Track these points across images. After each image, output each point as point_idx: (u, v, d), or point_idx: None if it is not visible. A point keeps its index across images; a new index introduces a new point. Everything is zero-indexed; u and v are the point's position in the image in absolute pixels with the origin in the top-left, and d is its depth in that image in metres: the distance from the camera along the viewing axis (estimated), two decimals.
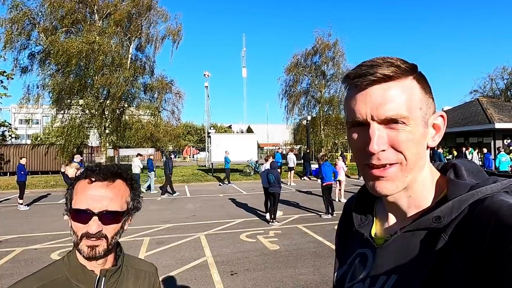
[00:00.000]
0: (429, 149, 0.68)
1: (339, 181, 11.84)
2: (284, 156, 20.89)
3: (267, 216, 8.98)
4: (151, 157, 16.68)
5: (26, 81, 26.66)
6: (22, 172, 11.89)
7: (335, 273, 0.83)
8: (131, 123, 21.84)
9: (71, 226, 0.97)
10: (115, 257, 1.06)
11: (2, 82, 24.66)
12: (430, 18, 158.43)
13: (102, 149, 22.00)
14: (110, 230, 0.96)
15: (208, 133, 25.84)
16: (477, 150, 17.61)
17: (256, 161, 22.09)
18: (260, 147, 41.14)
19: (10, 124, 27.33)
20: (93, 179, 0.97)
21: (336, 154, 21.62)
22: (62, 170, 6.51)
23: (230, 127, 64.09)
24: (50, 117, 22.97)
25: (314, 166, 21.13)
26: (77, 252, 0.97)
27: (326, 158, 10.50)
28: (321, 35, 27.31)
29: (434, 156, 16.18)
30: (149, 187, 15.63)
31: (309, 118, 24.50)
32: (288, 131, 32.81)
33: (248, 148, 21.30)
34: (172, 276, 5.21)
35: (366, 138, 0.63)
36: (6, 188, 16.93)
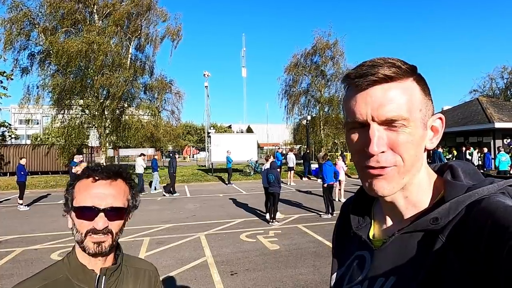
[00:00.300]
0: (426, 151, 0.68)
1: (339, 181, 11.84)
2: (284, 156, 20.89)
3: (267, 216, 8.99)
4: (155, 157, 16.69)
5: (26, 81, 26.60)
6: (22, 173, 11.89)
7: (333, 275, 0.83)
8: (131, 123, 21.82)
9: (74, 224, 0.99)
10: (114, 256, 1.08)
11: (1, 82, 24.66)
12: (430, 18, 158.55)
13: (102, 149, 21.99)
14: (115, 226, 1.00)
15: (208, 133, 25.84)
16: (476, 150, 17.62)
17: (256, 161, 22.09)
18: (260, 147, 41.15)
19: (10, 125, 27.32)
20: (97, 178, 1.00)
21: (336, 154, 21.62)
22: (74, 170, 6.49)
23: (230, 127, 64.09)
24: (50, 118, 22.96)
25: (314, 166, 21.16)
26: (80, 250, 0.99)
27: (328, 158, 10.50)
28: (321, 35, 27.29)
29: (433, 156, 16.17)
30: (155, 188, 15.70)
31: (309, 118, 24.50)
32: (288, 131, 32.82)
33: (248, 148, 21.31)
34: (172, 276, 5.21)
35: (366, 139, 0.62)
36: (6, 189, 16.93)
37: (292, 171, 18.63)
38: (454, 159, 17.71)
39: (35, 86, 20.83)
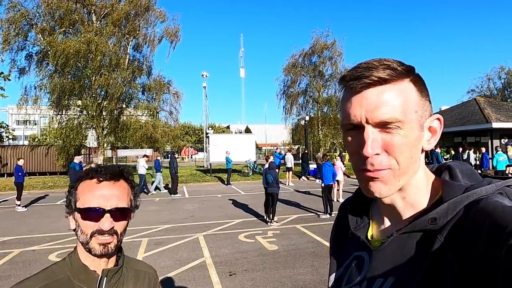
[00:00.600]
0: (424, 152, 0.67)
1: (337, 181, 11.85)
2: (283, 156, 20.90)
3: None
4: (158, 157, 16.71)
5: (24, 82, 26.63)
6: (20, 173, 11.85)
7: (331, 276, 0.83)
8: (129, 124, 21.79)
9: (78, 226, 1.00)
10: (116, 258, 1.09)
11: None
12: (428, 18, 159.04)
13: (100, 150, 21.95)
14: (120, 226, 1.01)
15: (206, 133, 25.83)
16: (472, 150, 17.68)
17: (255, 162, 22.08)
18: (258, 148, 41.14)
19: (7, 125, 27.24)
20: (101, 179, 1.01)
21: (334, 154, 21.63)
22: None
23: (228, 127, 64.05)
24: (47, 118, 22.89)
25: (313, 166, 21.17)
26: (83, 250, 1.00)
27: (328, 158, 10.51)
28: (319, 35, 27.31)
29: (431, 156, 16.21)
30: (157, 188, 15.71)
31: (307, 118, 24.51)
32: (286, 131, 32.79)
33: (247, 149, 21.30)
34: (171, 277, 5.20)
35: (360, 141, 0.63)
36: (4, 190, 16.85)
37: (291, 172, 18.65)
38: (451, 159, 17.78)
39: (32, 87, 20.83)
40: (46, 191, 16.54)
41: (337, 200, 11.73)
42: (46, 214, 10.54)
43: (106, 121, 21.56)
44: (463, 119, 21.10)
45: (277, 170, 9.82)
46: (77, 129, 20.61)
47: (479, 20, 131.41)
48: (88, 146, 24.30)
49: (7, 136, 27.06)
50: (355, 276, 0.73)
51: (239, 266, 5.64)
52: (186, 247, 6.85)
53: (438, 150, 17.34)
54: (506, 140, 19.51)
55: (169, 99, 23.92)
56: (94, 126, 21.36)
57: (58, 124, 20.95)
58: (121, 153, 21.67)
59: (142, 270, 1.18)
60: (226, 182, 18.15)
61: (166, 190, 15.47)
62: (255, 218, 9.47)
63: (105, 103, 21.20)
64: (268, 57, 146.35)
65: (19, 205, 11.51)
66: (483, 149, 17.23)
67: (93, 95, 20.64)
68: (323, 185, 9.68)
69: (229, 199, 12.93)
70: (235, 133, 43.76)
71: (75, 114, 21.43)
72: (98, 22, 21.30)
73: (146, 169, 15.36)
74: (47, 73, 20.57)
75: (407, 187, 0.66)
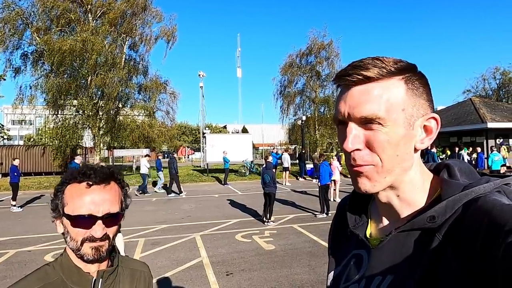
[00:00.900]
0: (418, 151, 0.67)
1: (334, 180, 11.89)
2: (279, 156, 20.92)
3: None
4: (160, 157, 16.71)
5: (19, 82, 26.47)
6: (15, 174, 11.78)
7: (329, 274, 0.83)
8: (126, 124, 21.71)
9: (68, 232, 0.95)
10: (110, 258, 1.06)
11: None
12: (424, 19, 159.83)
13: (96, 150, 21.85)
14: (112, 231, 0.98)
15: (203, 133, 25.78)
16: (466, 151, 17.79)
17: (251, 161, 22.07)
18: (255, 147, 41.13)
19: (2, 125, 27.04)
20: (91, 183, 0.95)
21: (331, 154, 21.68)
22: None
23: (225, 127, 63.99)
24: (43, 118, 22.76)
25: (309, 166, 21.20)
26: (75, 256, 0.97)
27: (325, 158, 10.52)
28: (316, 35, 27.37)
29: (427, 156, 16.29)
30: (163, 187, 15.75)
31: (304, 118, 24.56)
32: (283, 131, 32.81)
33: (243, 148, 21.28)
34: (168, 277, 5.19)
35: (343, 137, 0.65)
36: None
37: (288, 171, 18.66)
38: (447, 159, 17.87)
39: (28, 87, 20.70)
40: (41, 192, 16.42)
41: (334, 200, 11.76)
42: (41, 215, 10.47)
43: (103, 121, 21.48)
44: (459, 119, 21.21)
45: (274, 170, 9.83)
46: (73, 129, 20.50)
47: (475, 20, 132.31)
48: (84, 146, 24.18)
49: (2, 136, 26.86)
50: (354, 274, 0.73)
51: (236, 266, 5.64)
52: (183, 247, 6.84)
53: (434, 150, 17.43)
54: (501, 140, 19.64)
55: (166, 99, 23.90)
56: (90, 126, 21.26)
57: (54, 124, 20.83)
58: (118, 153, 21.54)
59: (137, 269, 1.16)
60: (223, 182, 18.14)
61: (164, 190, 15.44)
62: (252, 218, 9.47)
63: (101, 102, 21.12)
64: (265, 57, 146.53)
65: (14, 206, 11.43)
66: (479, 149, 17.34)
67: (89, 95, 20.55)
68: (319, 184, 9.71)
69: (226, 199, 12.93)
70: (232, 133, 43.72)
71: (71, 114, 21.31)
72: (94, 21, 21.21)
73: (148, 168, 15.38)
74: (42, 72, 20.48)
75: (400, 185, 0.66)
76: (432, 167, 0.75)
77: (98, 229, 0.93)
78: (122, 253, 5.24)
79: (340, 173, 13.88)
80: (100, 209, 0.94)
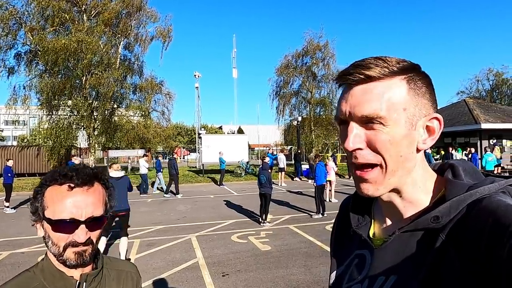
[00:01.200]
0: (420, 151, 0.67)
1: (330, 181, 11.92)
2: (275, 157, 20.94)
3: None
4: (159, 157, 16.67)
5: (13, 82, 26.19)
6: (9, 174, 11.67)
7: (332, 274, 0.83)
8: (121, 124, 21.60)
9: (49, 236, 0.91)
10: (94, 260, 1.02)
11: None
12: (418, 20, 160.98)
13: (91, 151, 21.71)
14: (95, 235, 0.94)
15: (199, 134, 25.72)
16: (465, 152, 17.93)
17: (247, 162, 22.06)
18: (251, 148, 41.11)
19: None
20: (72, 185, 0.91)
21: (327, 154, 21.75)
22: (120, 174, 6.34)
23: (220, 128, 63.90)
24: (37, 119, 22.57)
25: (305, 166, 21.25)
26: (57, 261, 0.92)
27: (320, 158, 10.55)
28: (312, 36, 27.44)
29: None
30: (159, 189, 15.69)
31: (299, 119, 24.59)
32: (279, 132, 32.82)
33: (239, 149, 21.28)
34: (163, 278, 5.17)
35: (345, 136, 0.65)
36: None
37: (283, 172, 18.69)
38: (442, 159, 18.03)
39: (22, 87, 20.53)
40: None
41: (330, 200, 11.79)
42: None
43: (98, 121, 21.36)
44: (453, 120, 21.39)
45: (269, 171, 9.84)
46: (68, 130, 20.34)
47: (469, 22, 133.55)
48: (79, 147, 24.00)
49: None
50: (357, 274, 0.73)
51: (232, 267, 5.63)
52: (179, 248, 6.81)
53: (429, 150, 17.55)
54: (495, 141, 19.84)
55: (161, 99, 23.83)
56: (84, 127, 21.12)
57: (48, 125, 20.66)
58: (113, 153, 21.43)
59: (123, 270, 1.12)
60: (219, 183, 18.11)
61: (159, 191, 15.40)
62: (248, 219, 9.47)
63: (96, 103, 21.00)
64: (261, 58, 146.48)
65: (7, 207, 11.32)
66: (473, 150, 17.50)
67: (84, 95, 20.42)
68: (315, 185, 9.73)
69: (222, 200, 12.91)
70: (228, 133, 43.70)
71: (65, 115, 21.15)
72: (89, 21, 21.09)
73: (147, 168, 15.34)
74: (36, 72, 20.32)
75: (403, 186, 0.66)
76: (436, 167, 0.75)
77: (81, 234, 0.88)
78: (122, 256, 5.21)
79: (336, 173, 13.92)
80: (83, 212, 0.89)
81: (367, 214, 0.79)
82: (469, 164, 0.70)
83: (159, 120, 24.14)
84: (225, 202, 12.34)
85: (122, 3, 21.33)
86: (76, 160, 12.85)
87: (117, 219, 6.40)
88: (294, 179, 20.48)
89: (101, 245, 5.99)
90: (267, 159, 9.49)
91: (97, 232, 0.94)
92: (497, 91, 43.06)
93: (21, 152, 22.16)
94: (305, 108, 28.70)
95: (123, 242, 6.03)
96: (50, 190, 0.92)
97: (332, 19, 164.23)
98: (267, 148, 37.54)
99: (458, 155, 17.63)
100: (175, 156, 16.68)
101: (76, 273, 0.95)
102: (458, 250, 0.57)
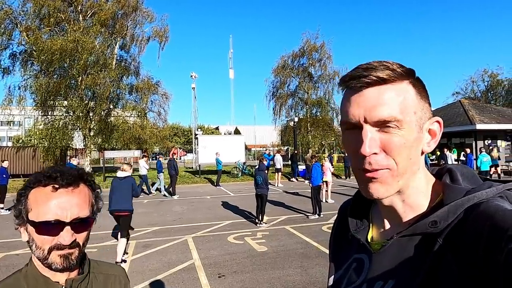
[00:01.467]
0: (423, 154, 0.67)
1: (326, 182, 11.93)
2: (272, 157, 20.95)
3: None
4: (160, 158, 16.66)
5: (7, 82, 26.10)
6: (4, 176, 11.59)
7: (330, 278, 0.83)
8: (117, 125, 21.52)
9: (33, 240, 0.88)
10: (80, 265, 0.99)
11: None
12: (415, 20, 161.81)
13: (87, 151, 21.60)
14: (82, 237, 0.91)
15: (195, 134, 25.68)
16: (456, 154, 18.06)
17: (244, 163, 22.05)
18: (247, 149, 41.11)
19: None
20: (57, 186, 0.88)
21: (323, 155, 21.78)
22: (125, 174, 6.31)
23: (217, 128, 63.84)
24: (32, 119, 22.44)
25: (302, 167, 21.27)
26: (42, 265, 0.90)
27: (316, 159, 10.56)
28: (308, 37, 27.54)
29: None
30: (157, 189, 15.68)
31: (296, 119, 24.63)
32: (275, 132, 32.88)
33: (236, 150, 21.26)
34: (159, 280, 5.15)
35: (358, 141, 0.63)
36: None
37: (280, 173, 18.70)
38: (437, 160, 18.12)
39: (17, 87, 20.42)
40: None
41: (326, 201, 11.80)
42: None
43: (94, 122, 21.26)
44: (448, 121, 21.51)
45: (266, 172, 9.85)
46: (63, 130, 20.24)
47: (464, 23, 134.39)
48: (75, 147, 23.87)
49: None
50: (355, 278, 0.73)
51: (228, 268, 5.63)
52: (175, 249, 6.79)
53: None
54: (490, 141, 19.99)
55: (158, 100, 23.79)
56: (80, 127, 21.02)
57: (44, 125, 20.54)
58: (109, 154, 21.31)
59: (111, 274, 1.09)
60: (215, 184, 18.09)
61: (159, 192, 15.41)
62: (244, 220, 9.46)
63: (92, 103, 20.91)
64: (258, 59, 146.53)
65: (2, 208, 11.23)
66: (468, 150, 17.62)
67: (80, 96, 20.32)
68: (311, 185, 9.74)
69: (218, 201, 12.89)
70: (225, 134, 43.67)
71: (61, 115, 21.05)
72: (85, 21, 21.00)
73: (147, 169, 15.33)
74: (32, 73, 20.21)
75: (407, 190, 0.66)
76: (434, 171, 0.75)
77: (66, 236, 0.86)
78: (118, 258, 5.17)
79: (333, 174, 13.95)
80: (67, 214, 0.87)
81: (365, 218, 0.79)
82: (467, 169, 0.70)
83: (156, 121, 24.12)
84: (221, 203, 12.33)
85: (118, 4, 21.28)
86: (74, 161, 12.79)
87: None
88: (291, 179, 20.50)
89: (120, 248, 5.95)
90: (264, 161, 9.49)
91: (84, 234, 0.91)
92: (492, 92, 43.36)
93: (17, 153, 22.01)
94: (301, 109, 28.76)
95: (121, 243, 6.03)
96: (34, 192, 0.89)
97: (328, 19, 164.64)
98: (264, 149, 37.53)
99: (453, 156, 17.74)
100: (174, 157, 16.65)
101: (61, 278, 0.92)
102: (455, 254, 0.57)
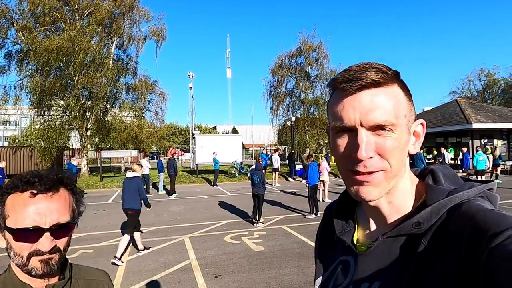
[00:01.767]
0: (409, 156, 0.68)
1: (323, 181, 11.96)
2: (269, 157, 20.96)
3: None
4: (161, 158, 16.64)
5: (3, 81, 25.97)
6: (1, 176, 11.53)
7: (317, 280, 0.83)
8: (114, 125, 21.45)
9: (11, 247, 0.86)
10: (62, 271, 0.97)
11: None
12: (412, 20, 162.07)
13: (84, 151, 21.52)
14: (62, 243, 0.89)
15: (193, 134, 25.65)
16: (452, 153, 18.15)
17: (241, 162, 22.04)
18: (245, 148, 41.12)
19: None
20: (35, 192, 0.86)
21: (321, 154, 21.82)
22: (132, 175, 6.47)
23: (215, 128, 63.78)
24: (28, 119, 22.34)
25: (299, 166, 21.30)
26: (22, 272, 0.88)
27: (313, 159, 10.57)
28: (305, 36, 27.54)
29: (416, 158, 16.51)
30: (164, 188, 15.77)
31: (293, 119, 24.65)
32: (273, 132, 32.88)
33: (233, 149, 21.25)
34: (156, 280, 5.15)
35: (354, 144, 0.62)
36: None
37: (277, 172, 18.71)
38: (434, 159, 18.20)
39: (12, 87, 20.31)
40: None
41: (323, 200, 11.82)
42: None
43: (90, 121, 21.19)
44: (445, 120, 21.60)
45: (263, 171, 9.85)
46: (60, 130, 20.16)
47: (461, 22, 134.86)
48: (71, 147, 23.79)
49: None
50: (341, 280, 0.74)
51: (225, 268, 5.63)
52: (172, 249, 6.79)
53: (421, 151, 17.71)
54: (486, 140, 20.09)
55: (155, 100, 23.77)
56: (77, 127, 20.94)
57: (40, 125, 20.45)
58: (106, 154, 21.25)
59: (94, 279, 1.07)
60: (212, 183, 18.08)
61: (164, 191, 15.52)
62: (241, 219, 9.46)
63: (88, 103, 20.84)
64: (255, 58, 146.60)
65: None
66: (464, 149, 17.70)
67: (76, 95, 20.23)
68: (308, 185, 9.75)
69: (216, 200, 12.88)
70: (222, 134, 43.64)
71: (57, 115, 20.95)
72: (81, 20, 20.91)
73: (150, 169, 15.35)
74: (27, 72, 20.11)
75: (394, 191, 0.67)
76: (417, 172, 0.75)
77: (46, 242, 0.84)
78: (118, 253, 5.20)
79: (330, 173, 13.97)
80: (46, 220, 0.85)
81: (351, 219, 0.79)
82: (449, 170, 0.71)
83: (153, 120, 24.10)
84: (218, 203, 12.32)
85: (114, 3, 21.21)
86: (75, 161, 12.77)
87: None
88: (288, 179, 20.51)
89: (122, 243, 6.15)
90: (261, 161, 9.50)
91: (64, 239, 0.90)
92: (488, 91, 43.63)
93: (15, 154, 21.90)
94: (299, 108, 28.79)
95: (124, 239, 6.20)
96: (11, 198, 0.87)
97: (325, 17, 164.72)
98: (262, 148, 37.56)
99: (449, 155, 17.83)
100: (175, 157, 16.68)
101: (42, 285, 0.90)
102: (439, 255, 0.57)
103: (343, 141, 0.65)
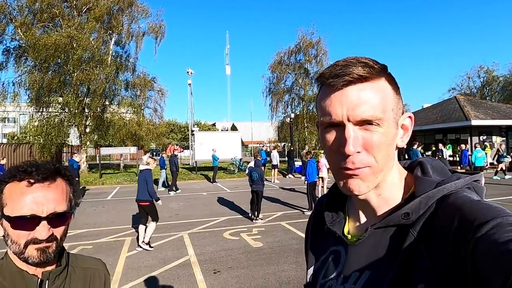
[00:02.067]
0: (397, 149, 0.69)
1: (322, 178, 11.97)
2: (268, 154, 20.97)
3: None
4: (163, 154, 16.64)
5: (1, 78, 25.89)
6: (1, 173, 11.53)
7: (309, 269, 0.84)
8: (113, 121, 21.42)
9: (8, 235, 0.87)
10: (59, 259, 0.99)
11: None
12: (411, 17, 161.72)
13: (83, 148, 21.50)
14: (59, 232, 0.90)
15: (192, 131, 25.62)
16: (451, 150, 18.20)
17: (240, 159, 22.06)
18: (244, 145, 41.11)
19: None
20: (32, 181, 0.88)
21: (320, 151, 21.82)
22: (144, 167, 6.76)
23: (214, 125, 63.74)
24: (27, 116, 22.30)
25: (298, 163, 21.32)
26: (19, 259, 0.89)
27: (312, 155, 10.57)
28: (304, 33, 27.51)
29: (411, 155, 16.54)
30: (163, 185, 15.79)
31: (292, 116, 24.66)
32: (272, 128, 32.91)
33: (232, 146, 21.27)
34: (155, 276, 5.17)
35: (341, 140, 0.63)
36: None
37: (276, 169, 18.73)
38: (432, 156, 18.23)
39: (11, 83, 20.22)
40: None
41: None
42: None
43: (89, 118, 21.15)
44: (444, 117, 21.62)
45: (262, 168, 9.85)
46: (59, 127, 20.12)
47: (460, 20, 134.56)
48: (70, 144, 23.76)
49: None
50: (332, 270, 0.75)
51: (224, 264, 5.65)
52: (171, 245, 6.81)
53: (418, 148, 17.72)
54: (485, 137, 20.13)
55: (154, 96, 23.71)
56: (76, 124, 20.90)
57: (39, 122, 20.41)
58: (105, 151, 21.23)
59: (90, 268, 1.08)
60: (211, 180, 18.10)
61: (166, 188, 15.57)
62: (240, 216, 9.49)
63: (87, 100, 20.78)
64: (254, 55, 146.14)
65: None
66: (463, 146, 17.75)
67: (75, 92, 20.17)
68: (306, 182, 9.77)
69: (215, 197, 12.91)
70: (221, 130, 43.61)
71: (56, 112, 20.91)
72: (79, 17, 20.81)
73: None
74: (26, 68, 20.03)
75: (383, 184, 0.68)
76: (406, 164, 0.77)
77: (43, 231, 0.85)
78: (146, 239, 6.00)
79: (328, 169, 13.97)
80: (44, 208, 0.86)
81: (341, 211, 0.80)
82: (437, 162, 0.72)
83: (152, 117, 24.05)
84: (217, 199, 12.34)
85: None
86: (76, 157, 12.75)
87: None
88: (287, 176, 20.54)
89: (142, 231, 6.58)
90: (259, 157, 9.51)
91: (61, 228, 0.91)
92: (487, 88, 43.63)
93: (15, 151, 21.90)
94: (298, 105, 28.81)
95: (150, 227, 6.60)
96: (9, 187, 0.88)
97: (324, 12, 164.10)
98: (261, 145, 37.56)
99: (448, 151, 17.88)
100: (176, 153, 16.72)
101: (38, 272, 0.92)
102: (427, 245, 0.58)
103: (331, 136, 0.66)
